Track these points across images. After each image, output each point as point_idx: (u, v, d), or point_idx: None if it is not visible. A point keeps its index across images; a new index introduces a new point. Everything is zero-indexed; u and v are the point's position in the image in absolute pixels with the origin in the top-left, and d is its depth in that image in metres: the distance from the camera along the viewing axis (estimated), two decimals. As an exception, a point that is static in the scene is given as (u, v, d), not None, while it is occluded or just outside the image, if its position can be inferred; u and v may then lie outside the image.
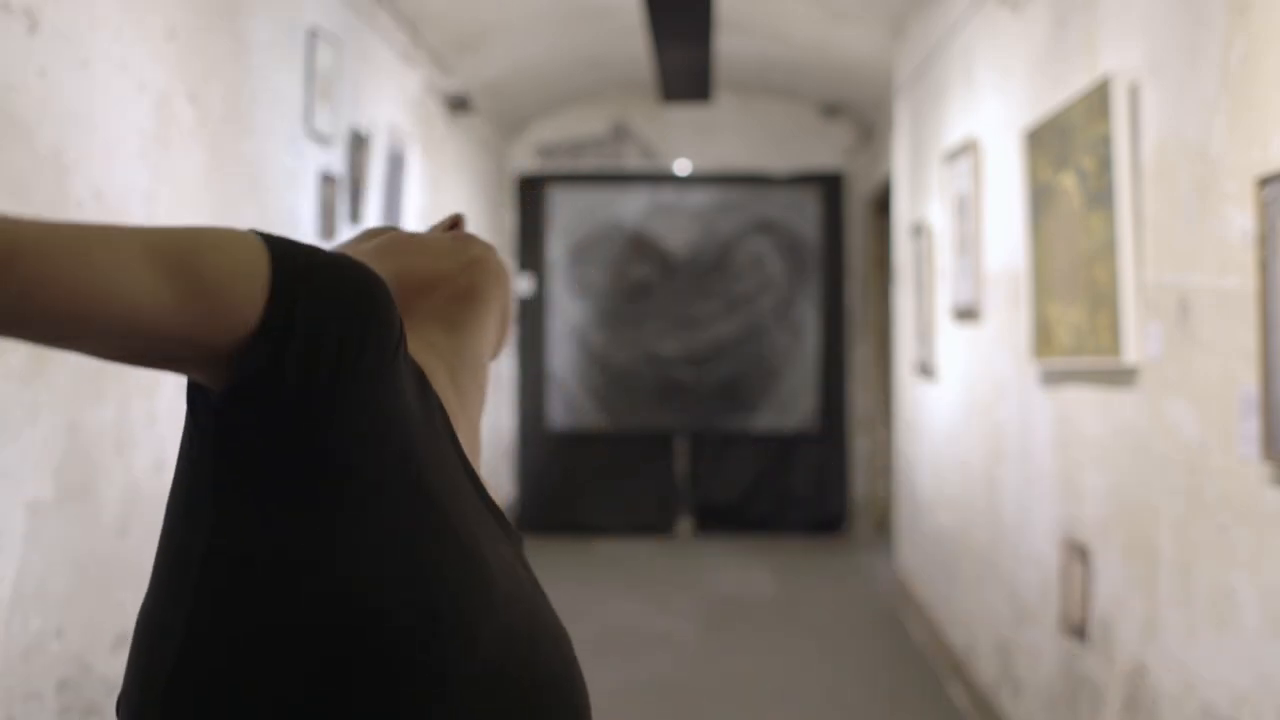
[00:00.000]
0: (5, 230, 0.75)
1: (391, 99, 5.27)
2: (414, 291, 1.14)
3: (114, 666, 2.70)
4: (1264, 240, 2.19)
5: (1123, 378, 2.98)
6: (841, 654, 5.45)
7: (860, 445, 8.40)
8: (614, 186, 8.45)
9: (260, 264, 0.84)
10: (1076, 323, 3.23)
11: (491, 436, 7.60)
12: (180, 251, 0.82)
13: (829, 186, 8.39)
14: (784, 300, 8.40)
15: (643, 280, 8.42)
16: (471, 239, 1.22)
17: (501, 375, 8.11)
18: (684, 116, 8.28)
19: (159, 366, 0.87)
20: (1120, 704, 3.00)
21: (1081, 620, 3.29)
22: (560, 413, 8.44)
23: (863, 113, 8.02)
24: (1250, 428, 2.28)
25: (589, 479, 8.39)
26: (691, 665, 5.28)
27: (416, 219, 5.74)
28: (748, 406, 8.41)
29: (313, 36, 4.09)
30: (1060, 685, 3.51)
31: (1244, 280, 2.29)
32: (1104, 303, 3.00)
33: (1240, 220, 2.32)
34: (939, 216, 5.24)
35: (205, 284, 0.82)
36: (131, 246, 0.80)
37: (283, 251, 0.86)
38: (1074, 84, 3.30)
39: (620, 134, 8.47)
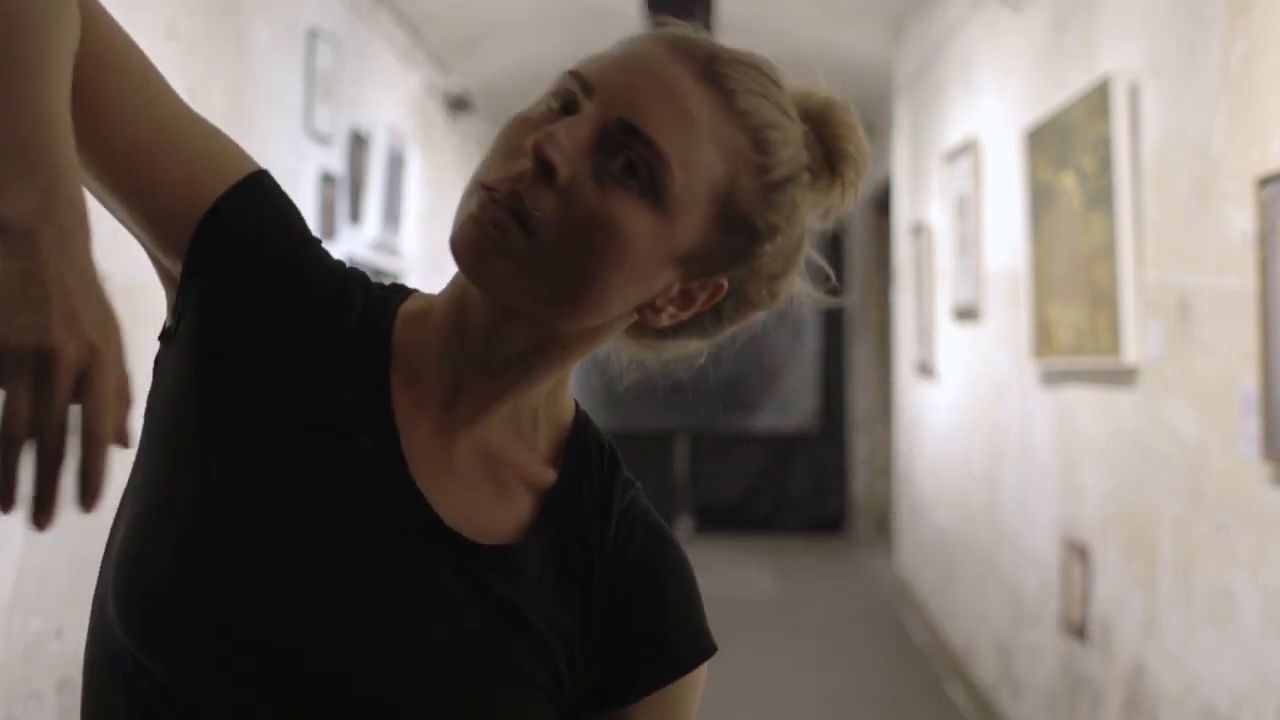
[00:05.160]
0: None
1: (391, 99, 5.27)
2: None
3: (114, 666, 2.70)
4: (1264, 240, 2.19)
5: (1123, 378, 2.98)
6: (841, 654, 5.44)
7: (860, 445, 8.39)
8: (614, 186, 8.44)
9: None
10: (1076, 323, 3.23)
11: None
12: None
13: (829, 186, 8.38)
14: (784, 300, 8.39)
15: (642, 280, 8.42)
16: None
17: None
18: (684, 116, 8.27)
19: None
20: (1120, 704, 3.00)
21: (1081, 620, 3.29)
22: (560, 413, 8.44)
23: (863, 113, 7.88)
24: (1250, 428, 2.28)
25: (589, 479, 8.37)
26: (691, 665, 5.27)
27: (416, 219, 5.74)
28: (748, 406, 8.40)
29: (313, 36, 4.09)
30: (1060, 685, 3.51)
31: (1244, 280, 2.29)
32: (1104, 303, 3.00)
33: (1240, 220, 2.32)
34: (939, 216, 5.24)
35: None
36: None
37: None
38: (1074, 84, 3.30)
39: (620, 134, 8.46)
